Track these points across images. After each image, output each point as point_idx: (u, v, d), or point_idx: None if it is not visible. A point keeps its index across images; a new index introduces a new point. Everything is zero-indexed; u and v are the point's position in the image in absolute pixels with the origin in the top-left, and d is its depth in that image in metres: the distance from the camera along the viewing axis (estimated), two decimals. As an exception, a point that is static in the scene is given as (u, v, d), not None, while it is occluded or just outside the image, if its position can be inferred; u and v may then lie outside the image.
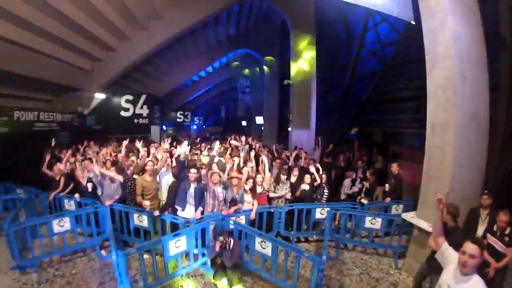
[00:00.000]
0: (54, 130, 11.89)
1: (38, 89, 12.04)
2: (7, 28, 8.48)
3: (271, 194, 6.60)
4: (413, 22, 5.86)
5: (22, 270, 5.30)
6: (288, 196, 6.59)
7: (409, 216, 5.62)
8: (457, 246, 2.87)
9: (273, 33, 21.29)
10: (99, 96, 14.63)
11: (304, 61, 13.97)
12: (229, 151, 8.83)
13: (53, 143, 9.30)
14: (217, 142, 8.24)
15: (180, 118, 25.89)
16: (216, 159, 7.14)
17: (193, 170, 5.74)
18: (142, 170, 6.44)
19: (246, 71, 26.16)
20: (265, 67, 21.67)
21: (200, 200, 5.69)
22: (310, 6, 13.89)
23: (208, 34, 18.64)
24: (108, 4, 10.44)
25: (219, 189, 5.75)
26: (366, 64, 15.08)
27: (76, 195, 6.40)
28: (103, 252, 6.01)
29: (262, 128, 23.62)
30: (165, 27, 13.11)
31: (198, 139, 15.30)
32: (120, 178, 6.22)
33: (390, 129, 13.64)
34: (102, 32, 11.60)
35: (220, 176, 5.86)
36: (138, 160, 7.61)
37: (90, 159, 6.90)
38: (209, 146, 10.65)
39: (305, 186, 6.81)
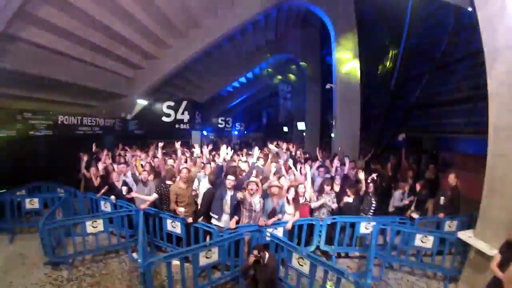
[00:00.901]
0: (97, 134, 12.38)
1: (84, 95, 12.59)
2: (56, 40, 8.97)
3: (313, 204, 6.19)
4: (469, 9, 5.18)
5: (55, 266, 5.46)
6: (334, 206, 6.19)
7: (466, 236, 4.89)
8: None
9: (312, 36, 20.75)
10: (141, 102, 15.09)
11: (347, 63, 13.34)
12: (270, 157, 8.50)
13: (94, 148, 9.62)
14: (256, 148, 7.93)
15: (221, 124, 26.00)
16: (255, 165, 6.82)
17: (230, 177, 5.55)
18: (175, 175, 6.34)
19: (291, 76, 25.72)
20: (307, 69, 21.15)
21: (235, 208, 5.46)
22: (350, 6, 13.32)
23: (247, 40, 18.53)
24: (148, 15, 10.68)
25: (256, 200, 5.44)
26: (413, 65, 14.15)
27: (112, 197, 6.51)
28: (134, 255, 5.99)
29: (304, 134, 23.07)
30: (203, 34, 13.16)
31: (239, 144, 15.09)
32: (151, 198, 6.03)
33: (441, 135, 12.62)
34: (143, 41, 11.90)
35: (257, 185, 5.58)
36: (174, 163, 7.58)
37: (126, 163, 6.92)
38: (249, 152, 10.39)
39: (349, 199, 6.27)
